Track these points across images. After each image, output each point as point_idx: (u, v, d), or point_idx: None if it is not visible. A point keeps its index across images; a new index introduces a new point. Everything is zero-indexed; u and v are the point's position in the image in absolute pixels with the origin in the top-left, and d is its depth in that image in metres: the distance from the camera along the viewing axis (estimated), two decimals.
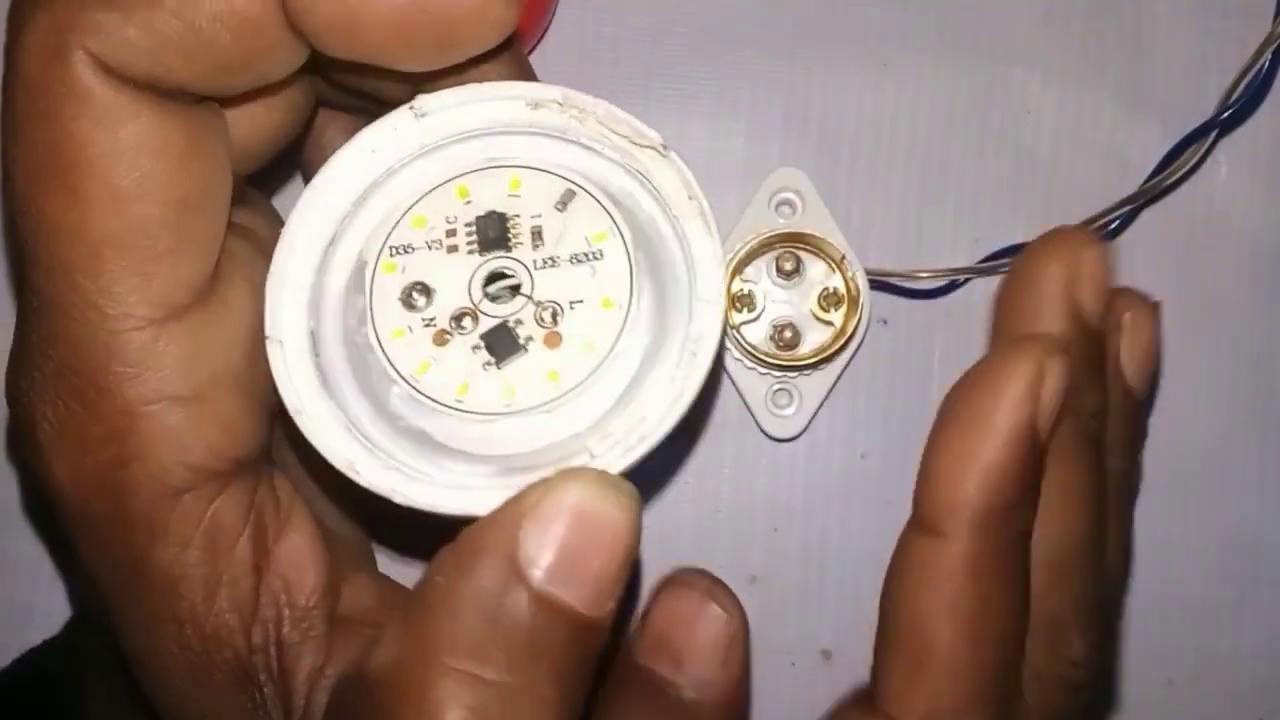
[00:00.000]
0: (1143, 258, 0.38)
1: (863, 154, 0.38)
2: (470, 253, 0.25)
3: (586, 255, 0.25)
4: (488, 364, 0.24)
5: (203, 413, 0.23)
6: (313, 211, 0.25)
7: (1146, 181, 0.37)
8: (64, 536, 0.24)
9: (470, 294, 0.25)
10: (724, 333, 0.25)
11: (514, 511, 0.22)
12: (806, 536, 0.38)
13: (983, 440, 0.22)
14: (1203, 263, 0.38)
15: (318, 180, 0.25)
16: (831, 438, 0.38)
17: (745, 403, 0.37)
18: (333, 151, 0.26)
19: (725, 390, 0.37)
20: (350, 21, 0.23)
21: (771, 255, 0.36)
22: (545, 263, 0.25)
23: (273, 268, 0.25)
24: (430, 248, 0.25)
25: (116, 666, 0.28)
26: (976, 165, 0.38)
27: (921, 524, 0.23)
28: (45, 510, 0.30)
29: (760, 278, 0.36)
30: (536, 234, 0.25)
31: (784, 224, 0.36)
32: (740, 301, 0.36)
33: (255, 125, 0.26)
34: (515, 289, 0.25)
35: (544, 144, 0.26)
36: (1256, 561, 0.38)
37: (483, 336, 0.24)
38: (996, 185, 0.38)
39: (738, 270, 0.36)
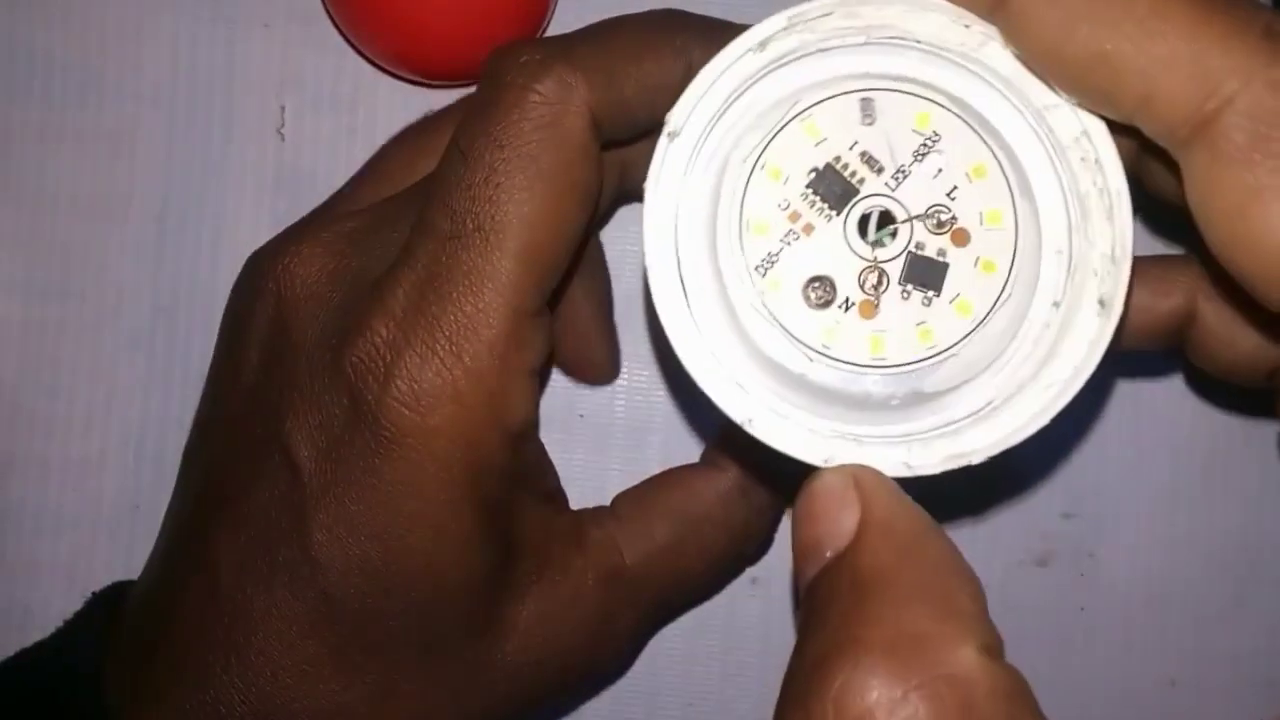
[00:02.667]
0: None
1: None
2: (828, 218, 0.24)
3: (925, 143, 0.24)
4: (925, 300, 0.24)
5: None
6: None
7: None
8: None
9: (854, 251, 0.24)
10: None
11: None
12: None
13: None
14: None
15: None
16: None
17: None
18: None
19: None
20: None
21: None
22: (897, 176, 0.24)
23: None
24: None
25: (137, 656, 0.29)
26: None
27: None
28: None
29: None
30: (866, 160, 0.24)
31: None
32: None
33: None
34: (889, 221, 0.24)
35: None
36: (1256, 561, 0.38)
37: (903, 277, 0.24)
38: None
39: None
